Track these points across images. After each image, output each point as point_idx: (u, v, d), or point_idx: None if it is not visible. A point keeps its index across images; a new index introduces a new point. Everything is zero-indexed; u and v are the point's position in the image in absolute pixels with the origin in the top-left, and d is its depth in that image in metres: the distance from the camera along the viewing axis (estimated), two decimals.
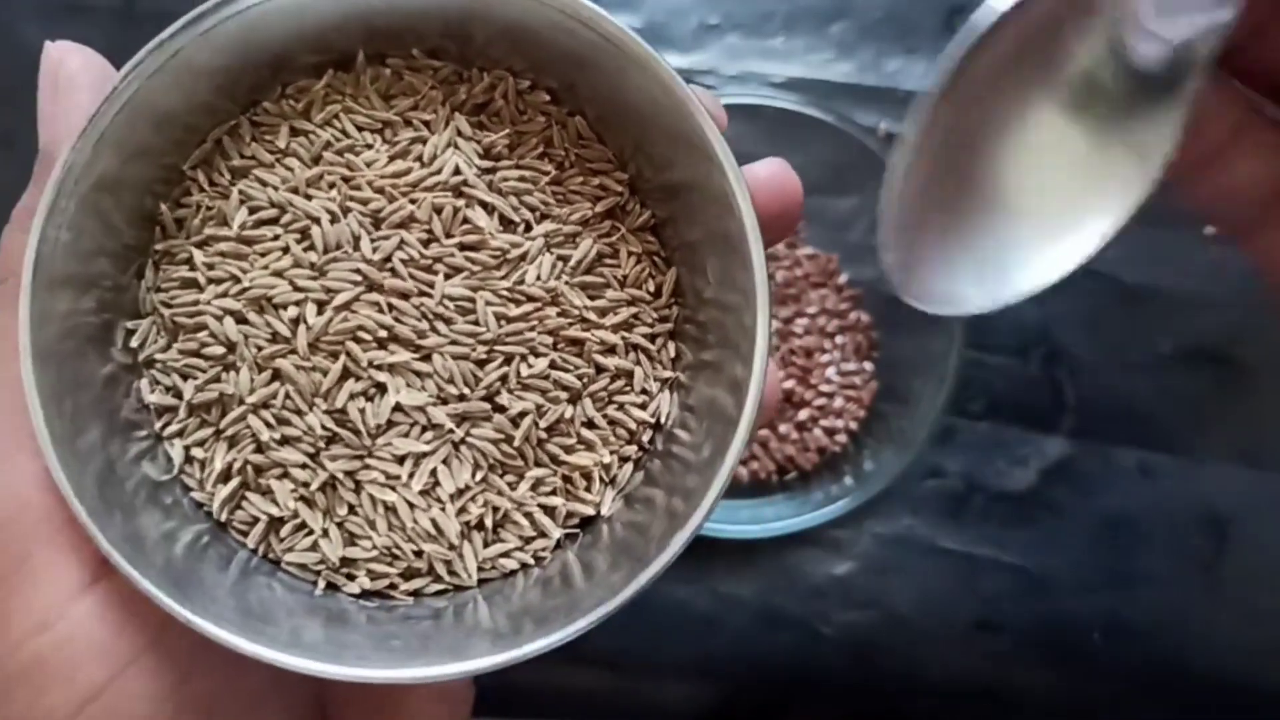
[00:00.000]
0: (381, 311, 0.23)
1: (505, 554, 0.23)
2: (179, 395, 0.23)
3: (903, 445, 0.37)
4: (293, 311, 0.23)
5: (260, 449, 0.23)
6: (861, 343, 0.40)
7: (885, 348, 0.40)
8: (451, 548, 0.23)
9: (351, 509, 0.23)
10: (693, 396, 0.24)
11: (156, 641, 0.21)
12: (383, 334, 0.23)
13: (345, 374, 0.23)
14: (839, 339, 0.40)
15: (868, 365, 0.40)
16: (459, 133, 0.24)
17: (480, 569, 0.23)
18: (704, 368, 0.24)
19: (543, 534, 0.23)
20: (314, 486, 0.23)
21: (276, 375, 0.23)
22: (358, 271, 0.23)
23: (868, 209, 0.40)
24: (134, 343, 0.23)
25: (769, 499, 0.38)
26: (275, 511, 0.23)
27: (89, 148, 0.20)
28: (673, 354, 0.24)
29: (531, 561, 0.24)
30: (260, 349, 0.23)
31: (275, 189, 0.23)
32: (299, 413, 0.23)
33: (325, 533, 0.23)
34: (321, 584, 0.23)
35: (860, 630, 0.38)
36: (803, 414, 0.39)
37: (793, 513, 0.37)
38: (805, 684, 0.38)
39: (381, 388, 0.23)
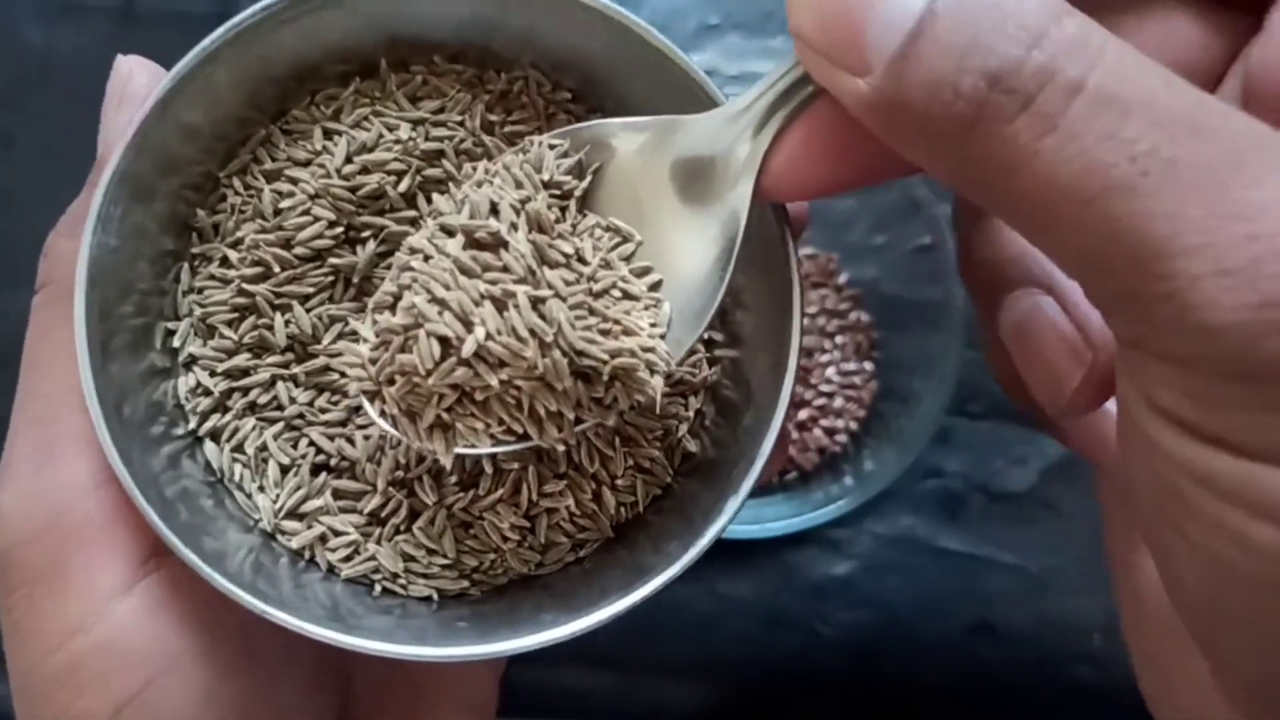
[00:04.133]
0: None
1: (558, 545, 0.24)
2: (214, 392, 0.23)
3: (903, 445, 0.37)
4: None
5: (321, 456, 0.23)
6: (861, 343, 0.40)
7: (885, 348, 0.40)
8: (517, 546, 0.23)
9: (409, 519, 0.23)
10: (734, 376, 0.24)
11: (196, 644, 0.21)
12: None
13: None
14: (839, 339, 0.40)
15: (868, 365, 0.40)
16: (490, 120, 0.24)
17: (541, 565, 0.24)
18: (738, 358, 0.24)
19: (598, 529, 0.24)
20: (368, 508, 0.23)
21: (325, 383, 0.23)
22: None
23: (868, 209, 0.40)
24: (175, 342, 0.23)
25: (769, 499, 0.38)
26: (325, 530, 0.23)
27: (130, 157, 0.21)
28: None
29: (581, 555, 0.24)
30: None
31: (309, 183, 0.23)
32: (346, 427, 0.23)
33: (379, 542, 0.23)
34: (378, 589, 0.23)
35: (860, 630, 0.38)
36: (803, 414, 0.39)
37: (793, 513, 0.37)
38: (805, 684, 0.38)
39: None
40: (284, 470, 0.23)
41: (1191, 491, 0.14)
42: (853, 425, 0.39)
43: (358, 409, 0.23)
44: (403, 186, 0.23)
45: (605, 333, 0.19)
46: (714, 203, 0.20)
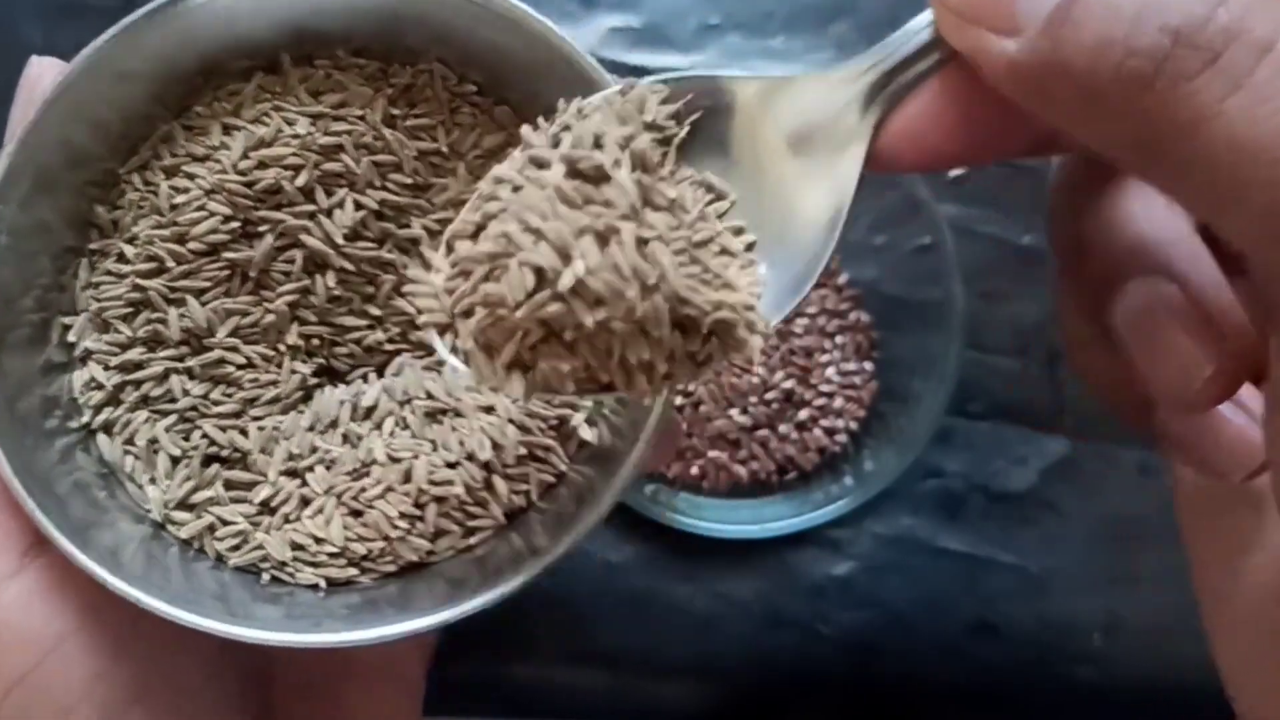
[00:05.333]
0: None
1: (448, 533, 0.24)
2: (107, 386, 0.23)
3: (903, 445, 0.37)
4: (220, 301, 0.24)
5: (211, 445, 0.24)
6: (861, 343, 0.40)
7: (885, 348, 0.40)
8: (406, 534, 0.24)
9: (299, 508, 0.24)
10: None
11: (84, 625, 0.22)
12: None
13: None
14: (839, 339, 0.40)
15: (868, 365, 0.40)
16: (392, 114, 0.24)
17: (432, 553, 0.24)
18: None
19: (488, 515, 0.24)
20: (259, 498, 0.23)
21: (222, 374, 0.24)
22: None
23: (868, 209, 0.40)
24: (71, 337, 0.23)
25: (769, 499, 0.38)
26: (215, 519, 0.23)
27: (25, 153, 0.21)
28: None
29: (474, 542, 0.24)
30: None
31: (204, 179, 0.23)
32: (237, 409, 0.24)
33: (268, 531, 0.24)
34: (266, 578, 0.23)
35: (860, 630, 0.38)
36: (803, 414, 0.39)
37: (793, 513, 0.37)
38: (805, 684, 0.38)
39: (332, 373, 0.25)
40: (175, 461, 0.23)
41: None
42: (853, 425, 0.39)
43: (252, 401, 0.24)
44: (300, 181, 0.23)
45: (706, 284, 0.18)
46: (820, 168, 0.19)
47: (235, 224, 0.23)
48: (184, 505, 0.23)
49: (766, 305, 0.19)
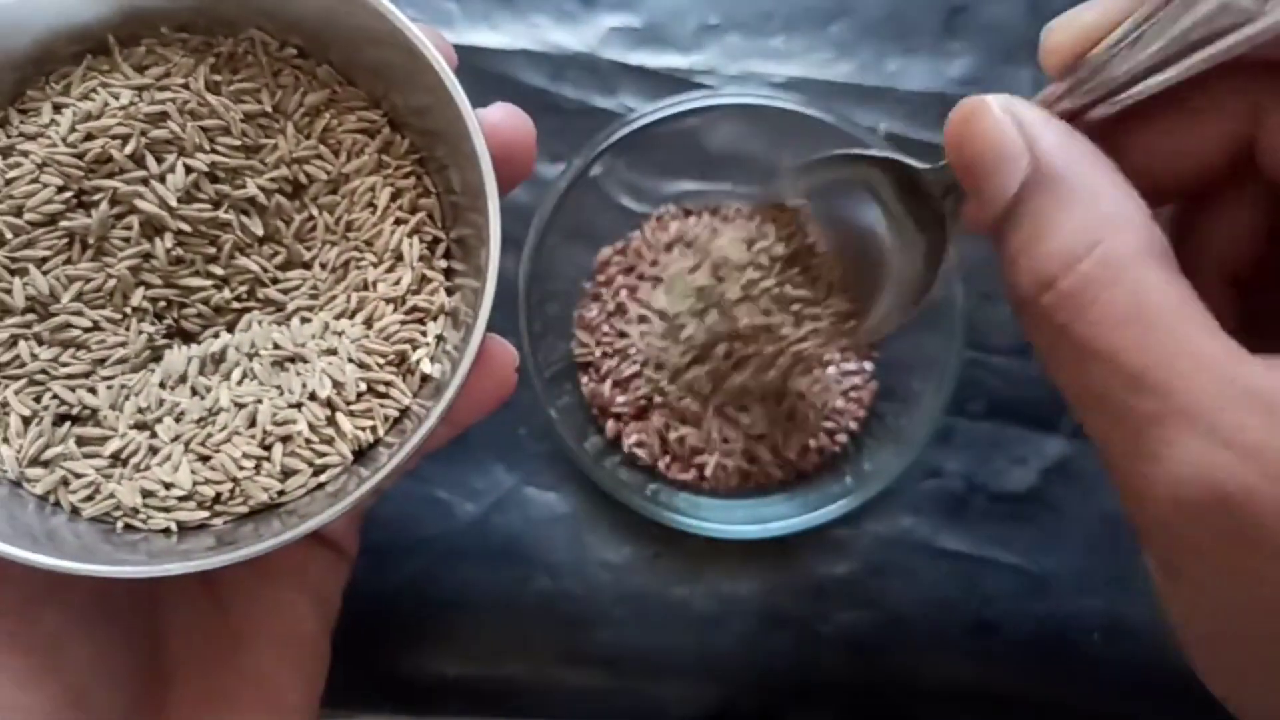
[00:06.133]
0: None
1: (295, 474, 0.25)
2: None
3: (903, 445, 0.37)
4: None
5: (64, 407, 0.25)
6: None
7: (885, 348, 0.40)
8: (253, 474, 0.24)
9: (148, 457, 0.25)
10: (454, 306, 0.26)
11: None
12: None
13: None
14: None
15: (868, 365, 0.40)
16: (215, 80, 0.26)
17: (283, 493, 0.25)
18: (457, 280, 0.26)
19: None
20: (108, 452, 0.24)
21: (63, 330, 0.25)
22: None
23: None
24: None
25: (769, 499, 0.38)
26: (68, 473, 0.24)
27: None
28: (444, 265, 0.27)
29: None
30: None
31: (36, 154, 0.24)
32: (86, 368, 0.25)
33: (119, 481, 0.24)
34: (120, 526, 0.24)
35: (860, 630, 0.38)
36: (802, 414, 0.39)
37: (793, 513, 0.37)
38: (805, 684, 0.38)
39: (181, 333, 0.26)
40: (26, 421, 0.25)
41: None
42: (853, 425, 0.39)
43: (101, 361, 0.25)
44: (129, 149, 0.25)
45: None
46: (925, 220, 0.25)
47: (69, 194, 0.24)
48: (37, 462, 0.24)
49: (883, 319, 0.29)
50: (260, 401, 0.25)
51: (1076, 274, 0.19)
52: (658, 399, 0.38)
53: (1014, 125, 0.20)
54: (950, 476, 0.39)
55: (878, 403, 0.40)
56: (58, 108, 0.25)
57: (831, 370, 0.40)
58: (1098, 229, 0.19)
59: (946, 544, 0.39)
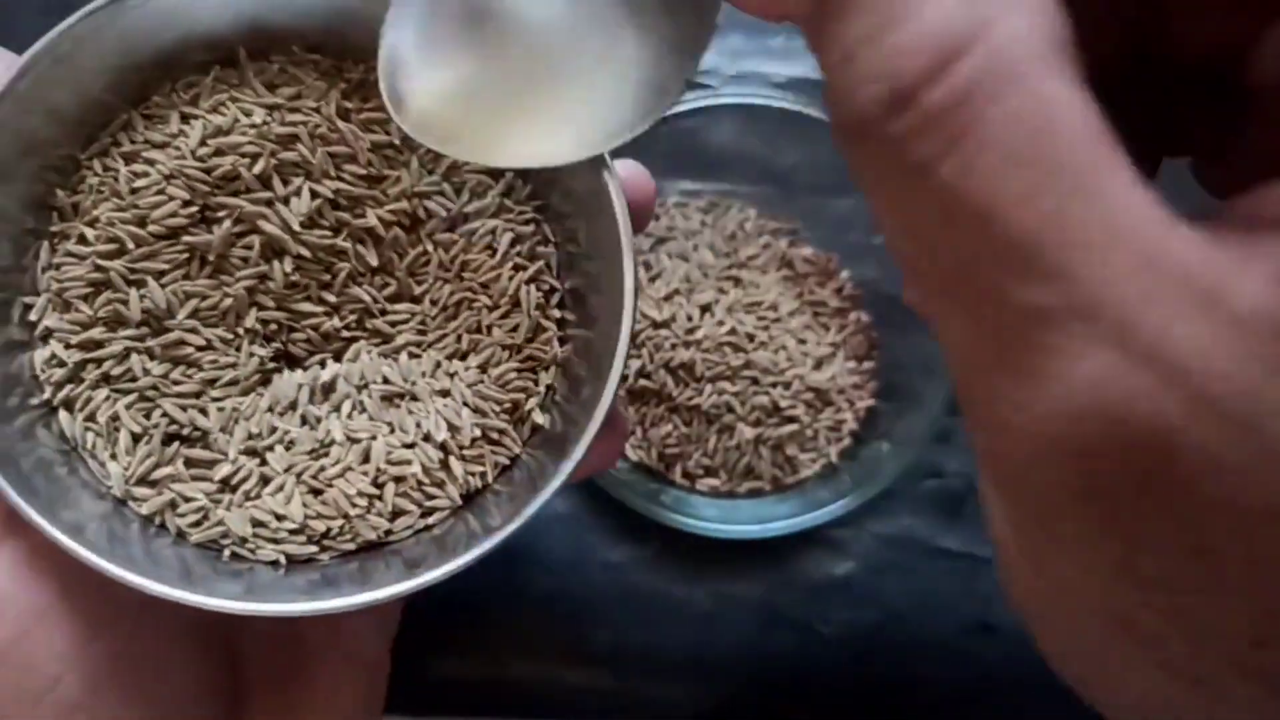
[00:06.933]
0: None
1: (405, 513, 0.25)
2: (68, 364, 0.24)
3: (903, 445, 0.37)
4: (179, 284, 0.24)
5: (172, 424, 0.24)
6: (861, 343, 0.40)
7: (885, 348, 0.40)
8: (365, 513, 0.24)
9: (259, 486, 0.24)
10: (574, 347, 0.26)
11: (62, 598, 0.22)
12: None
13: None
14: (839, 339, 0.40)
15: (868, 365, 0.40)
16: (345, 107, 0.25)
17: (390, 532, 0.24)
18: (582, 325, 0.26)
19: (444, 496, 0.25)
20: (218, 477, 0.24)
21: (180, 355, 0.24)
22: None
23: (868, 209, 0.40)
24: (33, 316, 0.24)
25: (769, 499, 0.38)
26: (176, 495, 0.24)
27: None
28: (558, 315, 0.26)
29: (432, 522, 0.25)
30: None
31: (164, 164, 0.24)
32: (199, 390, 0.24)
33: (229, 508, 0.24)
34: (227, 554, 0.24)
35: (860, 630, 0.38)
36: (802, 414, 0.39)
37: (793, 513, 0.37)
38: (804, 684, 0.38)
39: (290, 359, 0.25)
40: (135, 439, 0.24)
41: None
42: (853, 425, 0.39)
43: (211, 382, 0.24)
44: (257, 168, 0.24)
45: None
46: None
47: (194, 208, 0.24)
48: (144, 481, 0.24)
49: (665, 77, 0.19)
50: (375, 438, 0.24)
51: (949, 81, 0.12)
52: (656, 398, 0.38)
53: None
54: (950, 476, 0.39)
55: (878, 402, 0.40)
56: (186, 118, 0.24)
57: (831, 369, 0.40)
58: (982, 4, 0.12)
59: (946, 544, 0.39)
